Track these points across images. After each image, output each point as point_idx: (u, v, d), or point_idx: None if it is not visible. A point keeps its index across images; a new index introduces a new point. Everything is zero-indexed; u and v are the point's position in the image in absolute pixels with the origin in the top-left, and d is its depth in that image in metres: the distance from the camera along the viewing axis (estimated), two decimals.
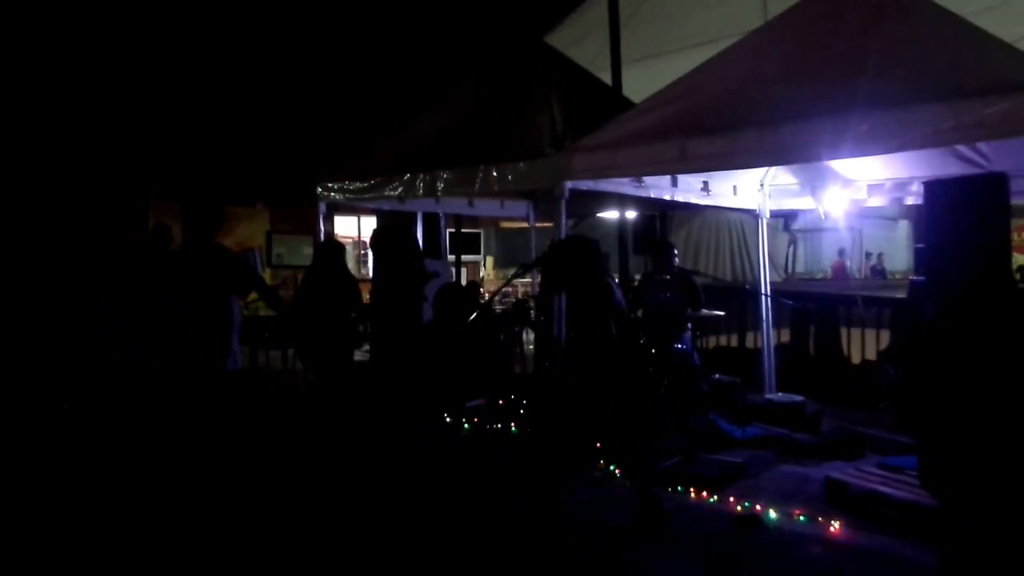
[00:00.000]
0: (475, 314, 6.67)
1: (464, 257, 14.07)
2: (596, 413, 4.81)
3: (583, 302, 4.89)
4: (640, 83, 7.84)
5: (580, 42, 11.16)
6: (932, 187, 4.76)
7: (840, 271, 17.42)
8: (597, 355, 4.84)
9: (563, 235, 5.42)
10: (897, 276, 16.70)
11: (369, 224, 15.26)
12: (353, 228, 18.18)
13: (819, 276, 19.67)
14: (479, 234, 19.25)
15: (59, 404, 7.44)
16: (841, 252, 17.90)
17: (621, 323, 4.99)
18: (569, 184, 5.52)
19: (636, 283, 7.71)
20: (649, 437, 5.84)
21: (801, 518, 4.71)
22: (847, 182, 7.08)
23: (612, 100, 7.65)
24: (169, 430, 5.45)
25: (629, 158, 5.24)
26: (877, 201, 7.21)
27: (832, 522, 4.60)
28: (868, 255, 19.83)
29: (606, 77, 8.85)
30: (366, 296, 7.63)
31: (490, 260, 20.73)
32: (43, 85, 12.03)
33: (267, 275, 13.83)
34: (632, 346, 5.79)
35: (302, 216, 10.34)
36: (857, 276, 18.06)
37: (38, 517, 5.09)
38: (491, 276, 19.49)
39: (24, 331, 8.20)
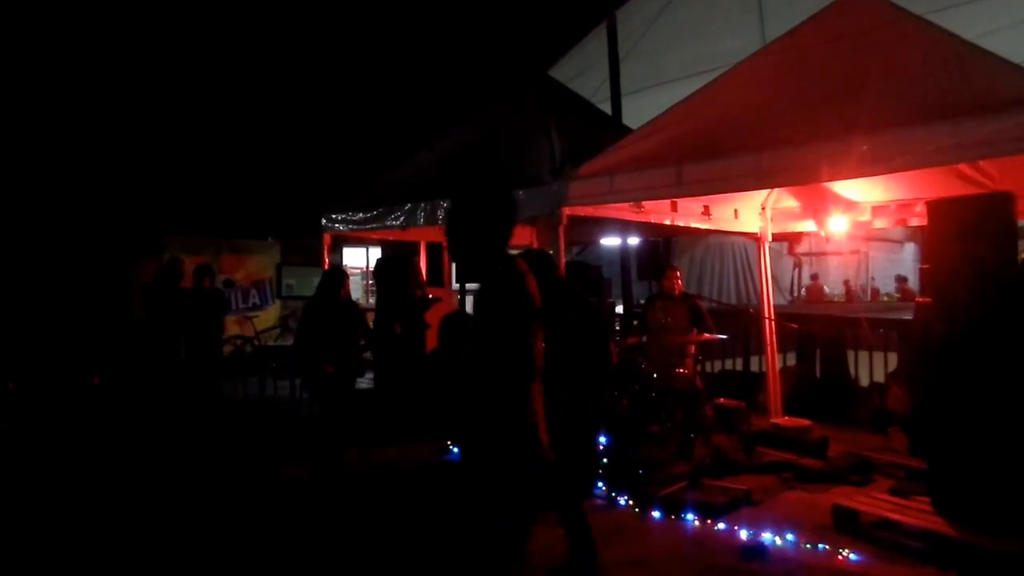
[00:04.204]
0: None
1: (470, 285, 14.06)
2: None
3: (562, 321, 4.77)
4: (641, 113, 7.86)
5: (583, 74, 11.28)
6: (935, 207, 4.74)
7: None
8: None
9: (562, 262, 5.41)
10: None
11: (377, 255, 15.33)
12: (362, 259, 18.24)
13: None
14: None
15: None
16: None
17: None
18: (567, 211, 5.53)
19: (639, 307, 7.68)
20: (650, 463, 5.76)
21: (809, 546, 4.61)
22: (850, 204, 7.04)
23: (612, 129, 7.68)
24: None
25: (626, 184, 5.25)
26: (881, 223, 7.16)
27: (842, 551, 4.49)
28: (873, 279, 19.77)
29: (608, 108, 8.91)
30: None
31: None
32: (70, 121, 12.44)
33: (277, 306, 14.03)
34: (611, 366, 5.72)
35: (312, 248, 10.60)
36: (862, 297, 17.99)
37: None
38: None
39: (34, 331, 8.46)
